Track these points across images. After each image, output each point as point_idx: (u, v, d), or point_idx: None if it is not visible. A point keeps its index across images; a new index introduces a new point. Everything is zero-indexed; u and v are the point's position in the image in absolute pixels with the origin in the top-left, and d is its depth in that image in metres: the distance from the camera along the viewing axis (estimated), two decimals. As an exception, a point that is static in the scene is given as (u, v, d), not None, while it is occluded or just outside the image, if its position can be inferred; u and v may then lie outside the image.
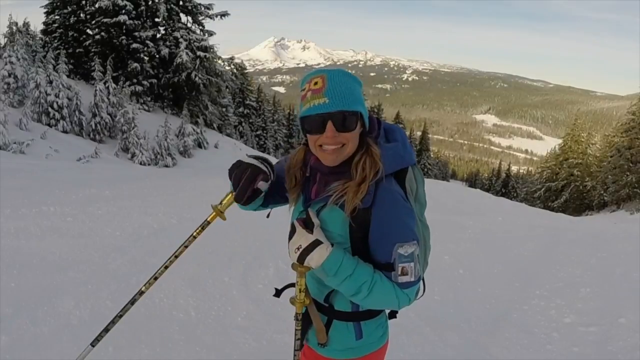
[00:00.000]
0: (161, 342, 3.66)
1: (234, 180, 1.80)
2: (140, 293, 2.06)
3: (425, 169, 60.40)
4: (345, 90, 1.55)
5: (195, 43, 29.13)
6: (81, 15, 28.61)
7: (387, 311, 1.89)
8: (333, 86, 1.55)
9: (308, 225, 1.61)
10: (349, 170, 1.61)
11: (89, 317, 3.89)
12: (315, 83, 1.57)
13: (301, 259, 1.58)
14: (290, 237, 1.63)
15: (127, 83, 26.64)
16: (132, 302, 2.05)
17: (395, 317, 1.92)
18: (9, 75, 18.62)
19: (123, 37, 27.67)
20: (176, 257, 2.04)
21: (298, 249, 1.58)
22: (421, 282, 1.69)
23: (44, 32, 29.07)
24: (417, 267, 1.60)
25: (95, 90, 21.38)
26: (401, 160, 1.65)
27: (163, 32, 29.57)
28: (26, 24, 27.13)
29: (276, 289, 1.93)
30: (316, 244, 1.56)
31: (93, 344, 2.09)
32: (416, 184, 1.71)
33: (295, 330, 1.76)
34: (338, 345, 1.77)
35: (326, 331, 1.77)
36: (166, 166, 21.46)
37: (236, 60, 42.24)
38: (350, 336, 1.76)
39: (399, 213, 1.58)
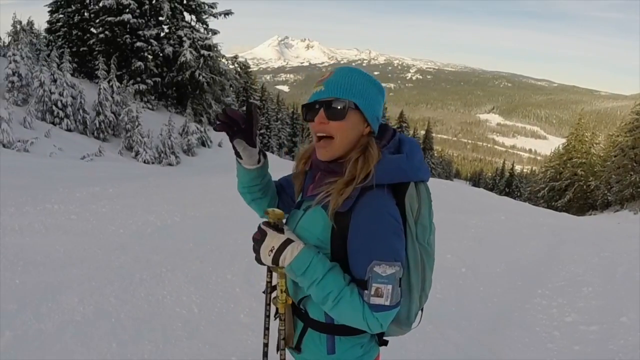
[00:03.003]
0: (164, 339, 3.68)
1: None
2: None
3: (429, 168, 60.32)
4: (346, 81, 1.54)
5: (199, 42, 29.20)
6: (85, 14, 28.78)
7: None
8: (335, 77, 1.55)
9: (278, 227, 1.57)
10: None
11: (92, 313, 3.92)
12: (323, 75, 1.59)
13: (275, 260, 1.53)
14: (256, 240, 1.58)
15: (131, 82, 26.76)
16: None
17: (386, 344, 1.74)
18: (13, 74, 18.73)
19: (127, 35, 27.77)
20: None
21: (271, 251, 1.53)
22: (400, 309, 1.54)
23: (48, 30, 29.20)
24: (396, 291, 1.45)
25: (99, 88, 21.47)
26: (400, 173, 1.52)
27: (167, 30, 29.63)
28: (30, 23, 27.25)
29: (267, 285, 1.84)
30: (288, 242, 1.52)
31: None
32: (419, 203, 1.56)
33: (279, 330, 1.72)
34: (310, 356, 1.69)
35: (300, 338, 1.70)
36: (170, 165, 21.53)
37: (240, 59, 42.28)
38: (322, 349, 1.65)
39: (380, 227, 1.46)
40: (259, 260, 1.59)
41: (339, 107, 1.52)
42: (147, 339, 3.65)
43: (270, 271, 1.77)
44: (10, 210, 6.43)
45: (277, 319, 1.74)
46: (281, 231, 1.56)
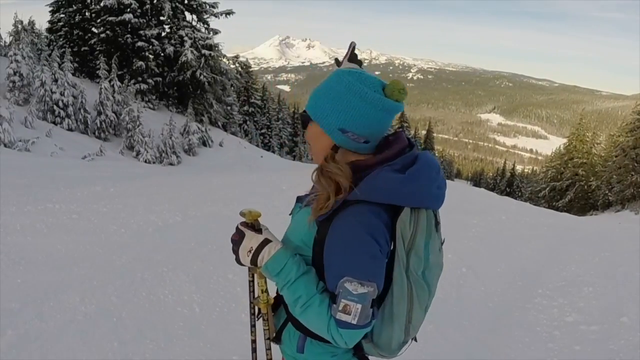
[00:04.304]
0: (165, 337, 3.70)
1: None
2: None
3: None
4: (317, 89, 1.51)
5: (200, 41, 29.20)
6: (86, 13, 28.81)
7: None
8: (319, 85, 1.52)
9: (255, 228, 1.57)
10: None
11: (94, 312, 3.93)
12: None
13: (254, 260, 1.52)
14: (234, 241, 1.58)
15: (132, 81, 26.75)
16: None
17: (364, 358, 1.65)
18: (15, 74, 18.71)
19: (128, 35, 27.80)
20: None
21: (250, 251, 1.52)
22: (381, 335, 1.51)
23: (49, 30, 29.20)
24: (365, 312, 1.38)
25: (100, 88, 21.49)
26: (389, 194, 1.41)
27: (168, 30, 29.63)
28: (31, 23, 27.23)
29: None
30: (265, 242, 1.51)
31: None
32: (413, 231, 1.43)
33: (264, 330, 1.73)
34: (286, 349, 1.70)
35: (281, 329, 1.70)
36: (171, 164, 21.55)
37: (241, 59, 42.34)
38: (293, 344, 1.65)
39: (354, 244, 1.39)
40: (238, 261, 1.59)
41: (302, 117, 1.55)
42: (149, 338, 3.67)
43: (251, 271, 1.78)
44: (11, 209, 6.44)
45: (261, 319, 1.75)
46: (259, 231, 1.56)
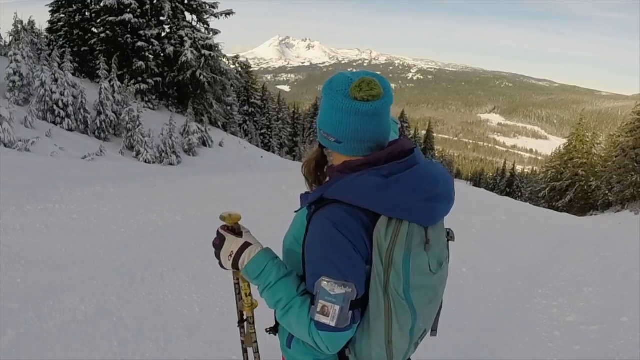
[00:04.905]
0: (165, 337, 3.70)
1: None
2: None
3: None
4: None
5: (200, 41, 29.23)
6: (86, 13, 28.83)
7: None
8: None
9: (236, 231, 1.58)
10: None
11: (94, 312, 3.93)
12: None
13: (235, 264, 1.52)
14: (216, 246, 1.59)
15: (132, 81, 26.74)
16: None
17: None
18: (15, 73, 18.71)
19: (128, 35, 27.82)
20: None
21: (230, 255, 1.53)
22: (361, 348, 1.44)
23: (49, 30, 29.22)
24: (344, 314, 1.33)
25: (100, 88, 21.51)
26: (360, 197, 1.36)
27: (168, 30, 29.68)
28: (31, 23, 27.16)
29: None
30: (246, 246, 1.51)
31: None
32: (390, 244, 1.33)
33: (250, 333, 1.74)
34: (280, 340, 1.70)
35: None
36: (171, 164, 21.56)
37: (241, 59, 42.37)
38: (284, 338, 1.64)
39: (326, 243, 1.36)
40: (221, 265, 1.59)
41: None
42: (149, 337, 3.66)
43: (235, 275, 1.78)
44: (11, 209, 6.44)
45: (246, 323, 1.77)
46: (239, 235, 1.56)
